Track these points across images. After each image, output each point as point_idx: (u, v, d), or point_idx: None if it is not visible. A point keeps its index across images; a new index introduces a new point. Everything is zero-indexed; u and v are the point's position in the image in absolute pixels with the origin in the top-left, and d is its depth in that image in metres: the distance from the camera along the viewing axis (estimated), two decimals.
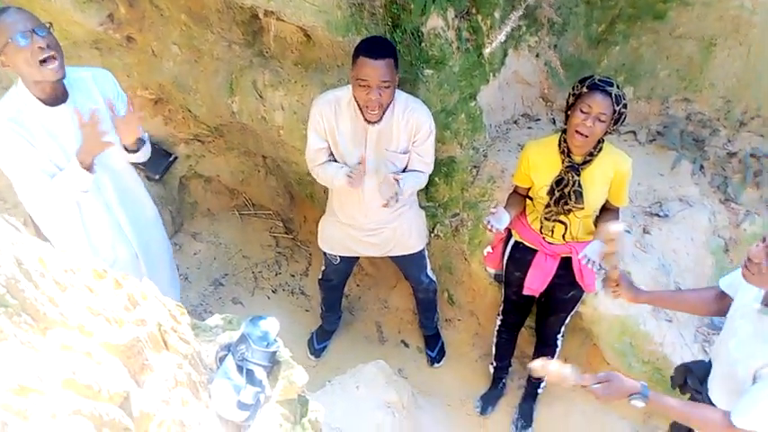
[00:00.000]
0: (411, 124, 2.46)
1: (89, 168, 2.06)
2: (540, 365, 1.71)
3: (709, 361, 1.91)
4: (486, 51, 2.69)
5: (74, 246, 2.24)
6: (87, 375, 0.91)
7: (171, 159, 3.48)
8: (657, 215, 2.99)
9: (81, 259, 1.17)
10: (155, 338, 1.21)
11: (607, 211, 2.53)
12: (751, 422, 1.53)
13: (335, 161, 2.54)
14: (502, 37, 2.50)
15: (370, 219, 2.68)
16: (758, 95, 3.23)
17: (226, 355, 1.41)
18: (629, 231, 2.88)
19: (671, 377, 2.08)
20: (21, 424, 0.77)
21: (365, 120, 2.37)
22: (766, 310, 1.59)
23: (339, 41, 2.68)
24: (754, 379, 1.59)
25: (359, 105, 2.35)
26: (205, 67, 3.06)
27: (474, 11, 2.90)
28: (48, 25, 1.95)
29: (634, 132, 3.35)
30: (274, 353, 1.41)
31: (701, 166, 3.19)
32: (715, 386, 1.81)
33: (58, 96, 2.05)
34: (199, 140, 3.49)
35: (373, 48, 2.24)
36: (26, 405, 0.79)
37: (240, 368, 1.37)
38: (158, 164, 3.43)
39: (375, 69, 2.20)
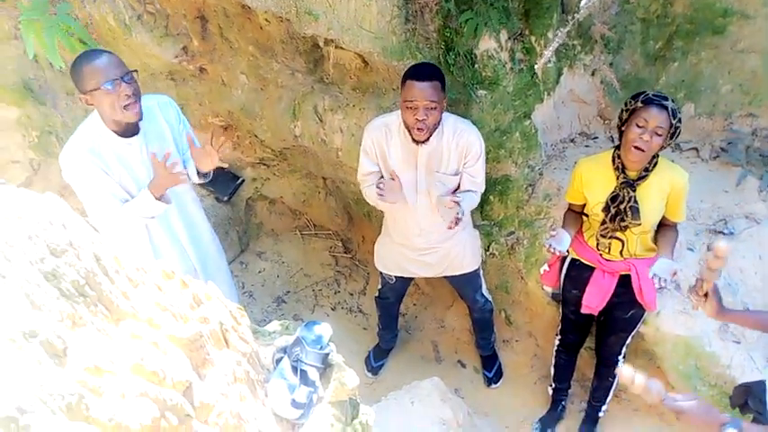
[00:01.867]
0: (461, 146, 2.51)
1: (160, 198, 2.22)
2: (628, 372, 1.63)
3: None
4: (536, 67, 2.71)
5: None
6: (154, 363, 1.01)
7: (238, 182, 3.69)
8: (722, 233, 2.88)
9: (151, 261, 1.30)
10: (216, 336, 1.31)
11: (665, 227, 2.48)
12: None
13: None
14: (549, 54, 2.53)
15: (424, 239, 2.73)
16: None
17: (282, 357, 1.50)
18: (691, 249, 2.80)
19: (729, 397, 2.00)
20: (95, 399, 0.86)
21: (413, 141, 2.45)
22: None
23: (394, 66, 2.79)
24: None
25: (407, 128, 2.42)
26: (270, 94, 3.25)
27: (527, 32, 2.95)
28: (133, 72, 2.12)
29: (696, 149, 3.26)
30: (327, 355, 1.48)
31: None
32: None
33: (130, 129, 2.21)
34: (264, 164, 3.69)
35: (419, 71, 2.33)
36: (100, 383, 0.88)
37: (295, 368, 1.45)
38: (227, 186, 3.65)
39: (421, 91, 2.28)
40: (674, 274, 2.28)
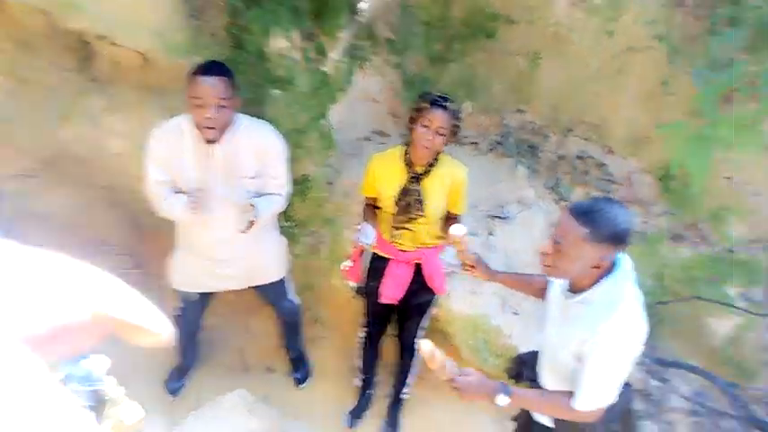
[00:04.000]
0: (258, 146, 2.40)
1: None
2: (427, 346, 1.69)
3: None
4: (325, 69, 2.75)
5: None
6: None
7: None
8: (499, 217, 3.22)
9: None
10: None
11: (449, 219, 2.68)
12: (589, 403, 1.70)
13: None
14: (335, 56, 2.58)
15: (224, 250, 2.54)
16: (581, 103, 3.60)
17: None
18: (473, 234, 3.07)
19: (506, 369, 2.24)
20: None
21: (206, 140, 2.31)
22: (569, 295, 1.77)
23: (179, 64, 2.61)
24: (579, 360, 1.75)
25: (198, 128, 2.27)
26: (32, 96, 2.83)
27: (318, 32, 2.97)
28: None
29: (476, 143, 3.59)
30: (97, 392, 1.33)
31: (536, 171, 3.50)
32: (544, 373, 1.97)
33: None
34: (26, 176, 3.16)
35: (207, 66, 2.21)
36: None
37: None
38: None
39: (210, 87, 2.16)
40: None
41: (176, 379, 3.12)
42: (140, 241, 3.53)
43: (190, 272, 2.64)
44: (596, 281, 1.68)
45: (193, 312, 2.89)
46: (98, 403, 1.35)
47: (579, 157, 3.61)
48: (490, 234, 3.15)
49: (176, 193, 2.40)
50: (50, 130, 2.84)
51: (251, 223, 2.33)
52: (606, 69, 3.40)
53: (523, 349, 2.89)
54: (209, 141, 2.30)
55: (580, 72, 3.49)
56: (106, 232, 3.47)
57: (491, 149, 3.56)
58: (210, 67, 2.21)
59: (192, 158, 2.35)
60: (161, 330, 0.62)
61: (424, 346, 1.69)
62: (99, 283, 0.58)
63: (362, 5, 2.52)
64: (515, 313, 2.99)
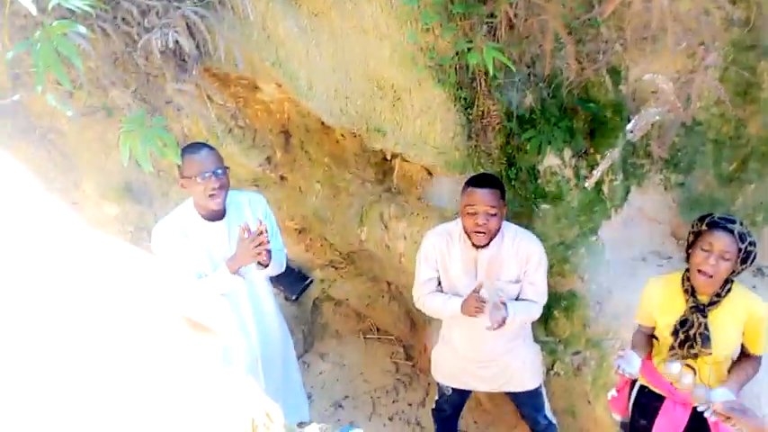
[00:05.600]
0: (521, 253, 2.52)
1: (234, 273, 2.43)
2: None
3: None
4: (587, 184, 2.71)
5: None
6: None
7: (307, 282, 3.83)
8: None
9: None
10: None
11: (746, 357, 2.30)
12: None
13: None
14: (598, 173, 2.54)
15: (482, 351, 2.66)
16: None
17: None
18: None
19: None
20: None
21: (474, 245, 2.48)
22: None
23: (457, 178, 2.90)
24: None
25: (467, 234, 2.47)
26: (341, 201, 3.46)
27: (591, 150, 2.99)
28: (225, 168, 2.43)
29: None
30: None
31: None
32: None
33: (216, 215, 2.49)
34: (333, 266, 3.83)
35: (480, 179, 2.45)
36: None
37: None
38: (296, 286, 3.80)
39: (482, 197, 2.37)
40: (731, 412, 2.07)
41: None
42: (413, 335, 3.84)
43: (449, 367, 2.82)
44: None
45: (450, 408, 3.01)
46: None
47: None
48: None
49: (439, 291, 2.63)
50: (353, 231, 3.39)
51: (502, 320, 2.36)
52: None
53: None
54: (477, 246, 2.46)
55: None
56: (386, 322, 3.89)
57: None
58: (484, 179, 2.43)
59: (459, 262, 2.56)
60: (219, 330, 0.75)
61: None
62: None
63: (634, 126, 2.47)
64: None
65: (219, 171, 2.38)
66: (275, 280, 2.94)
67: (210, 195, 2.37)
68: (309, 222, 3.70)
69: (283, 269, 2.73)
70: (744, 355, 2.30)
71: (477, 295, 2.43)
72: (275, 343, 2.79)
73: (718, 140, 3.04)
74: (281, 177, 3.59)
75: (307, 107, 2.98)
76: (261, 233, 2.39)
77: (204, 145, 2.48)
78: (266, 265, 2.53)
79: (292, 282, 3.78)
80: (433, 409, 3.10)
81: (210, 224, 2.48)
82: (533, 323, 2.78)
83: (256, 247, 2.39)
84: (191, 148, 2.44)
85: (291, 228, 3.76)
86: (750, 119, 2.95)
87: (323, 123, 3.17)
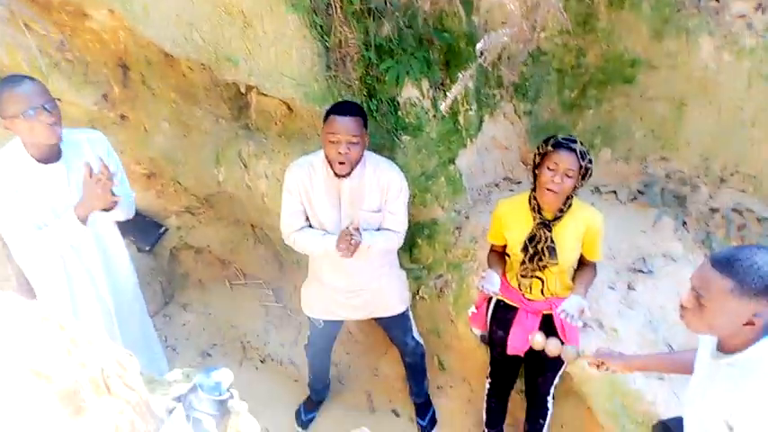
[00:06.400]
0: (382, 182, 2.54)
1: (83, 222, 2.16)
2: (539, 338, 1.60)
3: None
4: (442, 107, 2.77)
5: (57, 298, 2.31)
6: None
7: (161, 231, 3.56)
8: (641, 271, 2.97)
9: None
10: (95, 382, 1.21)
11: (583, 266, 2.55)
12: None
13: (311, 227, 2.60)
14: (451, 97, 2.59)
15: (350, 281, 2.70)
16: (734, 152, 3.28)
17: (175, 407, 1.40)
18: (612, 288, 2.86)
19: None
20: None
21: (336, 175, 2.45)
22: (718, 355, 1.55)
23: (317, 111, 2.81)
24: (730, 428, 1.53)
25: (330, 162, 2.43)
26: (193, 140, 3.20)
27: (448, 81, 3.04)
28: (56, 100, 2.11)
29: (615, 192, 3.39)
30: (223, 402, 1.39)
31: (684, 222, 3.20)
32: None
33: (52, 155, 2.18)
34: (189, 212, 3.59)
35: (342, 107, 2.39)
36: None
37: (188, 417, 1.36)
38: (149, 235, 3.52)
39: (344, 125, 2.32)
40: (582, 311, 2.32)
41: (308, 411, 3.24)
42: (282, 277, 3.77)
43: (319, 300, 2.83)
44: (751, 341, 1.47)
45: (323, 341, 3.03)
46: (222, 413, 1.42)
47: (735, 210, 3.25)
48: (631, 289, 2.91)
49: (307, 227, 2.58)
50: (209, 172, 3.17)
51: (354, 246, 2.39)
52: (762, 115, 3.08)
53: (668, 416, 2.59)
54: (339, 176, 2.42)
55: (732, 118, 3.20)
56: (252, 266, 3.75)
57: (632, 199, 3.33)
58: (346, 107, 2.38)
59: (322, 191, 2.53)
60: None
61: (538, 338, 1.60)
62: None
63: (483, 51, 2.51)
64: (660, 378, 2.69)
65: (48, 105, 2.06)
66: (125, 230, 2.67)
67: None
68: (158, 165, 3.40)
69: (132, 215, 2.50)
70: (582, 263, 2.54)
71: (348, 231, 2.42)
72: (128, 295, 2.58)
73: (562, 69, 3.24)
74: (122, 116, 3.23)
75: (144, 36, 2.68)
76: (105, 173, 2.13)
77: (26, 77, 2.12)
78: (110, 209, 2.29)
79: (144, 231, 3.50)
80: (305, 345, 3.10)
81: (46, 167, 2.17)
82: (399, 251, 2.84)
83: (103, 188, 2.13)
84: (10, 81, 2.07)
85: (139, 172, 3.44)
86: (589, 48, 3.17)
87: (166, 54, 2.88)
